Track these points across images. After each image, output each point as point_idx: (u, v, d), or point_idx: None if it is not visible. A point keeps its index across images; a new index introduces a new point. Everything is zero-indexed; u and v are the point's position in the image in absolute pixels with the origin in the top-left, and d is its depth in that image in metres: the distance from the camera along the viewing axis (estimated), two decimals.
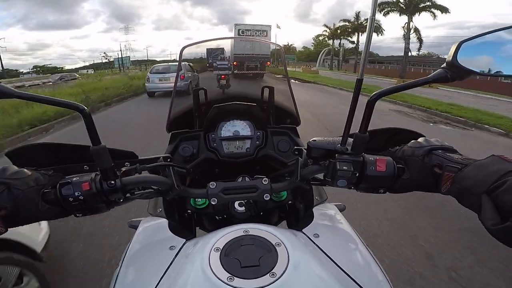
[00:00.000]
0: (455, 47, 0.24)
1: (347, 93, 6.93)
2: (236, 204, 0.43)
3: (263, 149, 0.52)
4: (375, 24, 0.29)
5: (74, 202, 0.27)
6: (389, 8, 14.64)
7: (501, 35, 0.24)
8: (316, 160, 0.34)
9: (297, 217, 0.47)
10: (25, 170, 0.27)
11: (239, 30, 9.89)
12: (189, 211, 0.46)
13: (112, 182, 0.28)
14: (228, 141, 0.52)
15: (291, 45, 51.16)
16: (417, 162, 0.28)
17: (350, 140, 0.30)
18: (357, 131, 0.29)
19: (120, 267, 0.32)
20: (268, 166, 0.53)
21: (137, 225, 0.41)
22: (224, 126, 0.52)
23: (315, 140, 0.33)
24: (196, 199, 0.45)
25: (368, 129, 0.29)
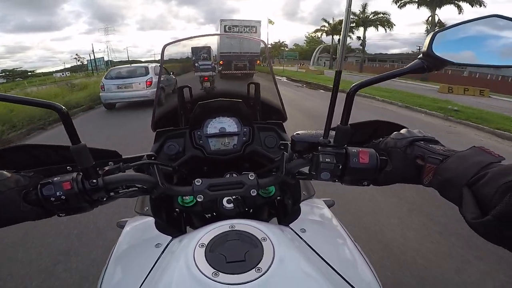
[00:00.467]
0: (429, 38, 0.26)
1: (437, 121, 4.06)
2: (225, 201, 0.45)
3: (250, 145, 0.54)
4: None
5: (56, 202, 0.28)
6: (407, 0, 13.46)
7: (474, 26, 0.26)
8: (301, 153, 0.35)
9: (286, 213, 0.48)
10: (5, 172, 0.28)
11: (225, 26, 9.66)
12: (177, 209, 0.47)
13: (94, 181, 0.29)
14: (215, 138, 0.54)
15: (283, 42, 52.28)
16: (399, 153, 0.30)
17: (333, 133, 0.31)
18: (338, 124, 0.30)
19: (107, 266, 0.34)
20: (256, 163, 0.55)
21: (124, 225, 0.43)
22: (210, 123, 0.54)
23: (298, 134, 0.35)
24: (184, 197, 0.47)
25: (351, 122, 0.30)
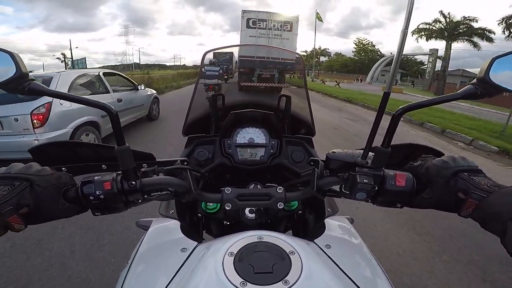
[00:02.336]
0: (487, 63, 0.34)
1: None
2: (247, 210, 0.61)
3: (277, 158, 0.74)
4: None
5: (95, 201, 0.39)
6: (434, 35, 20.83)
7: None
8: (334, 171, 0.49)
9: (305, 227, 0.67)
10: (48, 168, 0.39)
11: (248, 20, 9.10)
12: (199, 214, 0.65)
13: (133, 182, 0.40)
14: (243, 148, 0.74)
15: (324, 49, 53.43)
16: (442, 183, 0.40)
17: (370, 154, 0.44)
18: (379, 145, 0.42)
19: (130, 266, 0.44)
20: (280, 175, 0.75)
21: (145, 225, 0.60)
22: (240, 133, 0.74)
23: (334, 152, 0.48)
24: (208, 203, 0.64)
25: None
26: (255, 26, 9.03)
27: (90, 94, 3.39)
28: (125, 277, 0.42)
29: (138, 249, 0.48)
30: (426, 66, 28.58)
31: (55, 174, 0.38)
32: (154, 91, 5.82)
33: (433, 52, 25.56)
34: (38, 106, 2.66)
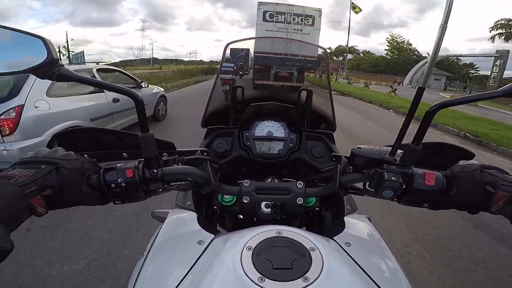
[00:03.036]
0: None
1: None
2: (263, 205, 0.66)
3: (295, 152, 0.80)
4: None
5: (116, 189, 0.43)
6: None
7: None
8: (358, 168, 0.52)
9: (321, 224, 0.72)
10: (73, 153, 0.43)
11: (265, 12, 9.13)
12: (215, 207, 0.71)
13: (155, 171, 0.44)
14: (261, 141, 0.80)
15: (352, 47, 53.02)
16: (467, 178, 0.44)
17: (398, 151, 0.47)
18: (409, 142, 0.44)
19: (147, 256, 0.48)
20: (298, 170, 0.81)
21: (161, 216, 0.67)
22: (259, 126, 0.81)
23: (360, 148, 0.51)
24: (224, 196, 0.69)
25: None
26: (272, 19, 9.00)
27: (77, 94, 3.23)
28: (141, 267, 0.46)
29: (155, 239, 0.53)
30: (491, 70, 26.65)
31: (80, 159, 0.43)
32: (161, 89, 5.96)
33: (502, 54, 23.70)
34: (7, 110, 2.40)
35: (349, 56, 53.49)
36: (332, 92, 0.86)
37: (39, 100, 2.69)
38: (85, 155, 0.45)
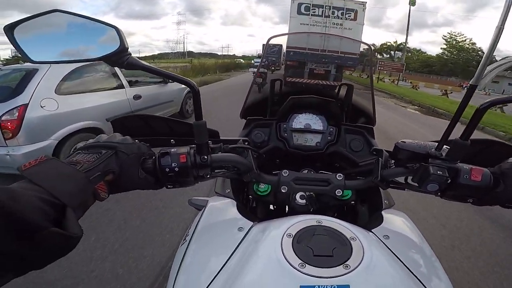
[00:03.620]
0: None
1: None
2: (298, 196, 0.73)
3: (333, 145, 0.89)
4: None
5: (170, 173, 0.49)
6: None
7: None
8: (401, 162, 0.57)
9: (355, 218, 0.78)
10: (129, 137, 0.50)
11: (299, 4, 8.87)
12: (250, 196, 0.80)
13: (205, 157, 0.51)
14: (298, 133, 0.90)
15: (401, 44, 50.85)
16: None
17: (444, 147, 0.52)
18: (457, 138, 0.48)
19: (190, 242, 0.55)
20: (333, 163, 0.91)
21: (198, 204, 0.84)
22: (296, 118, 0.91)
23: (404, 142, 0.55)
24: (260, 185, 0.78)
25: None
26: (308, 12, 8.76)
27: (93, 91, 3.17)
28: (185, 253, 0.53)
29: (196, 225, 0.60)
30: None
31: (136, 143, 0.49)
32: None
33: None
34: (10, 110, 2.35)
35: (398, 54, 51.32)
36: (404, 105, 0.92)
37: (46, 99, 2.59)
38: (137, 141, 0.51)
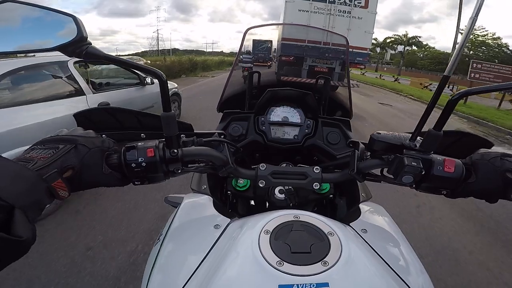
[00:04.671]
0: None
1: None
2: (277, 190, 0.84)
3: (311, 139, 1.02)
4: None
5: (136, 169, 0.53)
6: None
7: None
8: (376, 154, 0.65)
9: (334, 212, 0.93)
10: (92, 131, 0.54)
11: None
12: (228, 192, 0.90)
13: (175, 150, 0.56)
14: (276, 126, 1.03)
15: (415, 37, 51.90)
16: (487, 166, 0.56)
17: (418, 138, 0.60)
18: (430, 128, 0.56)
19: (163, 241, 0.62)
20: (312, 157, 1.06)
21: (174, 201, 0.95)
22: (274, 111, 1.04)
23: (379, 133, 0.63)
24: (238, 181, 0.89)
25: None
26: None
27: (36, 101, 2.65)
28: (158, 252, 0.58)
29: (170, 224, 0.66)
30: None
31: (99, 137, 0.53)
32: (175, 85, 6.16)
33: None
34: None
35: (400, 48, 52.44)
36: None
37: None
38: (103, 135, 0.54)
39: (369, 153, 0.68)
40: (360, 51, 8.52)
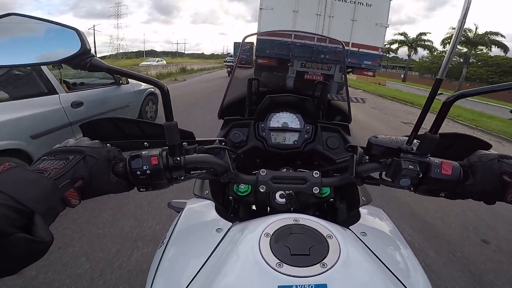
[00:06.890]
0: None
1: None
2: (277, 195, 1.12)
3: (311, 144, 1.34)
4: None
5: (141, 176, 0.70)
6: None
7: None
8: (374, 158, 0.83)
9: (334, 216, 1.19)
10: (98, 141, 0.71)
11: None
12: (230, 197, 1.19)
13: (178, 158, 0.73)
14: (276, 132, 1.34)
15: (424, 33, 52.79)
16: (484, 168, 0.72)
17: (414, 141, 0.73)
18: (426, 131, 0.71)
19: (167, 245, 0.81)
20: (312, 161, 1.36)
21: (178, 206, 1.26)
22: (274, 117, 1.35)
23: (376, 137, 0.82)
24: (239, 186, 1.17)
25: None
26: None
27: (6, 100, 3.45)
28: (162, 256, 0.75)
29: (174, 228, 0.86)
30: None
31: (105, 147, 0.68)
32: (149, 86, 6.51)
33: None
34: None
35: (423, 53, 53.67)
36: None
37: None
38: (108, 145, 0.71)
39: (367, 157, 0.85)
40: (369, 51, 8.08)
